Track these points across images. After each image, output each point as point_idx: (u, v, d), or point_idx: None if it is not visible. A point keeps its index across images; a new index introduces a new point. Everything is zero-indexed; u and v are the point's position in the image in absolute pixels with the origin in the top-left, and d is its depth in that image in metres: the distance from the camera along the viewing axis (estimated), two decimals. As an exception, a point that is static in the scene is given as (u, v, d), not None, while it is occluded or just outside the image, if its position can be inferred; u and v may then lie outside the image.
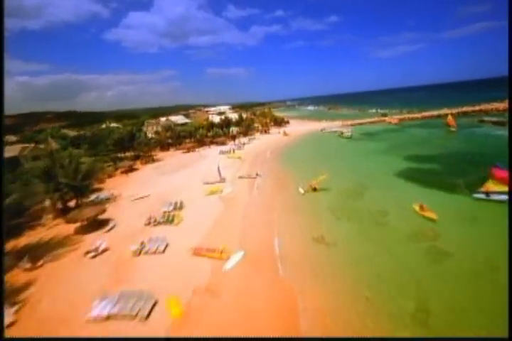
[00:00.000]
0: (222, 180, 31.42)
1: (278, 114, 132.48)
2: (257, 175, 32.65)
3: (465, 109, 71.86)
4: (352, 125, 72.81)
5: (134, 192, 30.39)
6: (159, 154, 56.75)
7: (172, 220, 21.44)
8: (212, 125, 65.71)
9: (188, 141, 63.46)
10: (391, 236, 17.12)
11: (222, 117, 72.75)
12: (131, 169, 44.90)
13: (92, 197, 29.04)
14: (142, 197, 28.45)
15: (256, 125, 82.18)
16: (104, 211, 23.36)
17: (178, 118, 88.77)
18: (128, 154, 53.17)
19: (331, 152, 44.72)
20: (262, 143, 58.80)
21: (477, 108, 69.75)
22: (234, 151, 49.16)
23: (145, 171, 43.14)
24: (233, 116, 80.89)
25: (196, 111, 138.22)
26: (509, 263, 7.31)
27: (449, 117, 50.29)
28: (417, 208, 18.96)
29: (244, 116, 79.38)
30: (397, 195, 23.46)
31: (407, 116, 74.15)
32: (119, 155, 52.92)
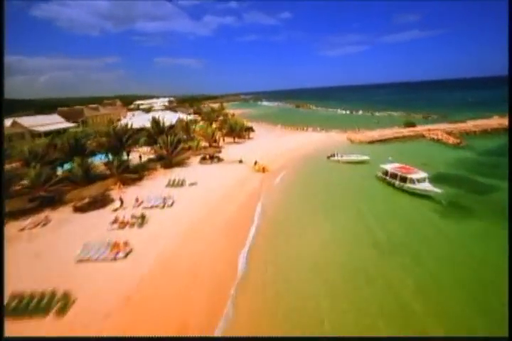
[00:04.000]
0: None
1: (233, 111, 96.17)
2: None
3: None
4: (370, 142, 41.23)
5: None
6: None
7: None
8: (77, 148, 26.62)
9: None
10: None
11: (105, 129, 32.77)
12: None
13: None
14: None
15: (196, 137, 45.01)
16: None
17: (46, 121, 46.12)
18: None
19: None
20: (200, 212, 22.06)
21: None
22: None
23: None
24: (154, 117, 42.40)
25: (107, 105, 78.61)
26: (509, 263, 6.94)
27: None
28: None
29: (172, 121, 41.14)
30: None
31: (452, 126, 45.17)
32: None
